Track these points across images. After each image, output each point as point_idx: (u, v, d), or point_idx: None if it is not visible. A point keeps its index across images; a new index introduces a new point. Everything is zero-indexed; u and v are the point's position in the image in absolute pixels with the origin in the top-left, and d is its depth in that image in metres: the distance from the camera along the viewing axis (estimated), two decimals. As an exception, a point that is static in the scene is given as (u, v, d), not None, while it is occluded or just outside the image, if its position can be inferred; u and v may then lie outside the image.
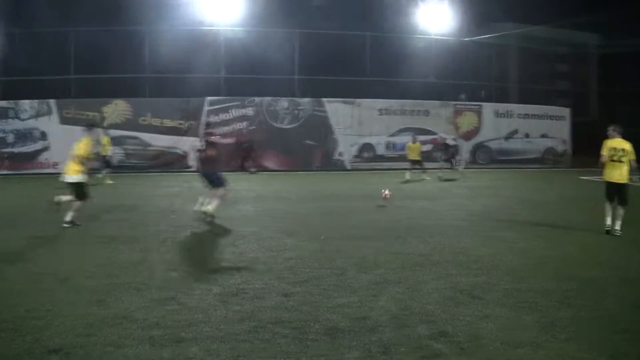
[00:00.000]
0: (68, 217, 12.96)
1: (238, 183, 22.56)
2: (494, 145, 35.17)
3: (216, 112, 30.55)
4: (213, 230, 12.71)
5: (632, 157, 12.35)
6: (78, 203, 13.06)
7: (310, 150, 31.65)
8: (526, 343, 6.13)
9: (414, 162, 26.32)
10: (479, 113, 35.23)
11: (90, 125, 15.01)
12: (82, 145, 13.31)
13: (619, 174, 12.30)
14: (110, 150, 25.20)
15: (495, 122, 35.44)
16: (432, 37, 36.65)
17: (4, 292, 7.86)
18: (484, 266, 9.50)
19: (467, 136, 34.55)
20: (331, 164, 31.77)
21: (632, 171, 12.57)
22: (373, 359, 5.69)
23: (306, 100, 31.74)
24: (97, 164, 22.46)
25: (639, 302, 7.72)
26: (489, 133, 35.04)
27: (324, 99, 31.87)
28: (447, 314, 7.02)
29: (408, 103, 33.63)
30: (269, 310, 7.02)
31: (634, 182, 12.68)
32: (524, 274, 9.07)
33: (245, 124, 30.72)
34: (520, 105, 37.87)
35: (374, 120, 32.60)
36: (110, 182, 23.44)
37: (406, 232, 12.72)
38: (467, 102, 36.54)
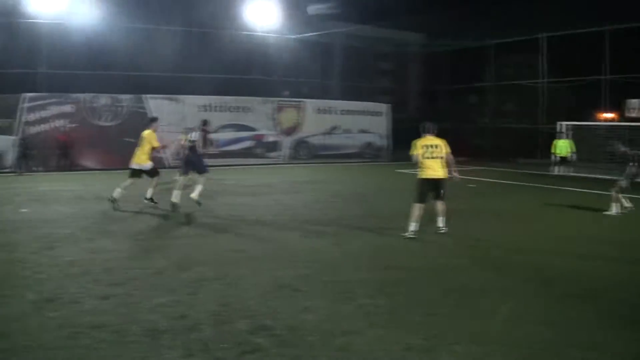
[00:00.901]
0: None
1: (56, 183, 21.84)
2: (315, 140, 35.87)
3: (35, 109, 29.18)
4: (28, 233, 12.21)
5: (447, 150, 12.47)
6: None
7: (131, 148, 30.85)
8: (346, 332, 6.40)
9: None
10: (300, 109, 35.80)
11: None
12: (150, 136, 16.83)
13: (434, 170, 12.29)
14: None
15: (317, 118, 36.13)
16: (258, 33, 36.86)
17: None
18: (302, 259, 9.78)
19: (289, 132, 35.01)
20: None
21: (450, 165, 12.64)
22: (194, 357, 5.72)
23: (127, 96, 30.97)
24: None
25: (449, 287, 8.26)
26: (310, 129, 35.67)
27: (146, 96, 31.26)
28: (267, 308, 7.18)
29: (230, 99, 33.60)
30: (86, 315, 6.86)
31: (453, 177, 12.88)
32: (342, 265, 9.44)
33: (65, 121, 29.54)
34: (341, 101, 38.85)
35: (196, 117, 32.32)
36: None
37: (226, 228, 12.84)
38: (289, 99, 37.06)
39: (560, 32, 34.43)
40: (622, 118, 34.43)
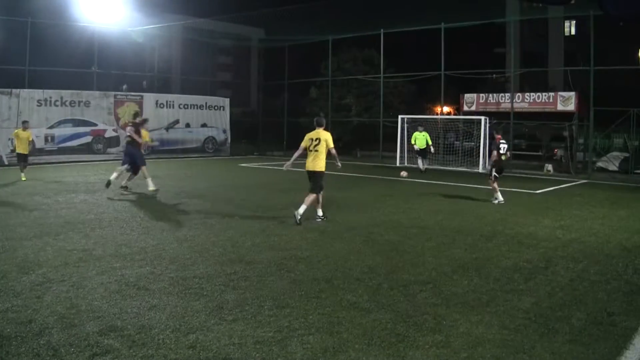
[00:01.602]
0: None
1: None
2: (155, 135, 35.41)
3: None
4: None
5: (330, 145, 13.31)
6: None
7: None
8: (196, 328, 6.48)
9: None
10: (140, 103, 35.22)
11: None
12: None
13: (312, 162, 13.26)
14: None
15: (157, 112, 35.67)
16: (95, 25, 35.78)
17: None
18: (148, 257, 9.77)
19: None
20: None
21: (333, 158, 13.58)
22: (43, 362, 5.61)
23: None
24: None
25: (297, 279, 8.52)
26: (150, 123, 35.15)
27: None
28: (114, 308, 7.13)
29: (67, 93, 32.52)
30: None
31: (338, 167, 14.02)
32: (188, 261, 9.50)
33: None
34: (182, 95, 38.58)
35: (33, 112, 31.05)
36: None
37: (67, 227, 12.50)
38: (128, 93, 36.36)
39: (399, 29, 35.68)
40: (460, 112, 36.19)
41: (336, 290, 8.03)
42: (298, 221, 12.90)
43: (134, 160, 19.00)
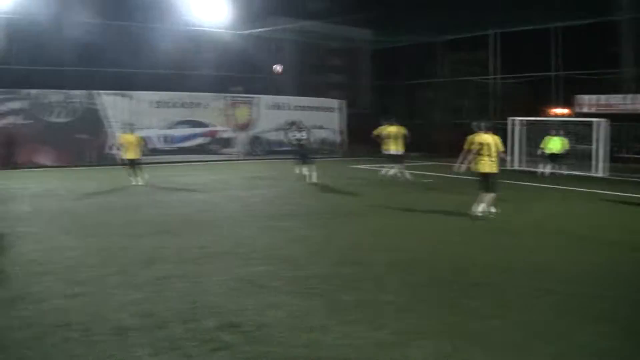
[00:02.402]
0: None
1: (10, 181, 21.47)
2: (270, 136, 35.83)
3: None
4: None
5: (501, 148, 13.95)
6: None
7: (82, 145, 30.51)
8: (315, 327, 6.42)
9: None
10: (253, 105, 35.71)
11: None
12: None
13: (489, 165, 13.62)
14: None
15: (270, 114, 36.07)
16: (209, 29, 36.59)
17: None
18: (264, 255, 9.81)
19: (243, 128, 34.89)
20: (104, 159, 30.82)
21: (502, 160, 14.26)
22: (163, 355, 5.70)
23: (79, 92, 30.55)
24: None
25: (418, 282, 8.36)
26: (264, 125, 35.61)
27: (98, 92, 30.86)
28: (233, 304, 7.18)
29: (184, 95, 33.36)
30: (52, 314, 6.80)
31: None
32: (304, 261, 9.47)
33: (15, 117, 29.01)
34: (296, 97, 38.83)
35: (150, 113, 32.02)
36: None
37: (186, 225, 12.76)
38: (242, 95, 36.91)
39: (511, 29, 34.94)
40: (574, 114, 34.98)
41: (457, 294, 7.81)
42: (480, 216, 13.53)
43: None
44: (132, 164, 20.67)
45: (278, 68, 20.36)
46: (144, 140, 22.41)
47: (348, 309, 7.10)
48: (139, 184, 20.14)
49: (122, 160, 21.23)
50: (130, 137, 21.08)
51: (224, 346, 5.90)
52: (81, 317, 6.69)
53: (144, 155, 21.49)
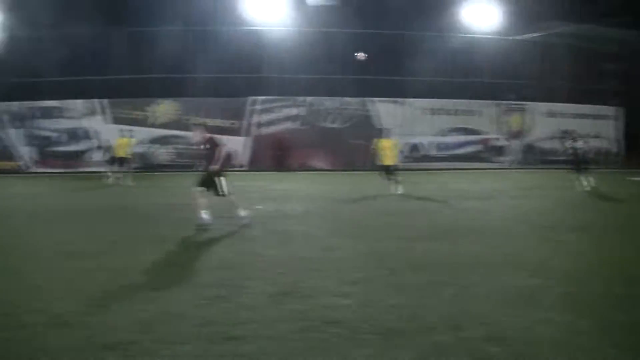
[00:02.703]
0: None
1: (282, 183, 22.64)
2: (544, 145, 34.71)
3: (263, 111, 30.65)
4: (265, 229, 12.72)
5: None
6: None
7: (356, 150, 31.53)
8: (584, 349, 5.95)
9: (120, 160, 24.72)
10: (527, 112, 34.77)
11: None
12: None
13: None
14: (129, 152, 24.73)
15: (545, 121, 34.95)
16: (480, 36, 36.29)
17: (58, 287, 7.96)
18: (539, 268, 9.32)
19: (516, 136, 34.10)
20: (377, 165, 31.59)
21: None
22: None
23: (354, 99, 31.66)
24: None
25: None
26: (538, 133, 34.56)
27: (372, 99, 31.78)
28: (502, 316, 6.87)
29: (457, 103, 33.38)
30: (320, 310, 6.98)
31: None
32: (579, 277, 8.89)
33: (293, 123, 30.71)
34: (571, 104, 37.29)
35: (422, 120, 32.40)
36: (131, 183, 23.31)
37: (458, 232, 12.60)
38: (516, 102, 36.04)
39: None
40: None
41: None
42: None
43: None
44: (388, 170, 20.52)
45: (361, 55, 18.70)
46: (399, 146, 22.21)
47: (622, 331, 6.49)
48: (397, 192, 19.82)
49: (380, 166, 20.92)
50: (386, 143, 20.88)
51: (488, 357, 5.68)
52: (348, 316, 6.78)
53: (411, 161, 21.62)
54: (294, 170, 28.94)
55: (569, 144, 22.48)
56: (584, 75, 45.12)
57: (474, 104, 33.59)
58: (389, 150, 20.45)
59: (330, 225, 13.40)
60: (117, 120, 29.58)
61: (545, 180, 25.86)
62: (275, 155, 29.43)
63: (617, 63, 54.95)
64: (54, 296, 7.51)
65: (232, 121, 30.43)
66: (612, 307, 7.39)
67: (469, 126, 33.27)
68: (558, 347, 5.98)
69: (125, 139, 24.65)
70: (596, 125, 36.02)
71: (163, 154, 29.55)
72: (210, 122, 30.36)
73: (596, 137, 36.04)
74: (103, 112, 30.00)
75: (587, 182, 20.78)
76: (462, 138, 33.06)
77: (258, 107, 30.46)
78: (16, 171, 30.27)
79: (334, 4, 34.69)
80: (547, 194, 20.37)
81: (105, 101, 30.04)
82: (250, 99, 30.67)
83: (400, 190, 19.89)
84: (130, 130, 26.21)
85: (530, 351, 5.87)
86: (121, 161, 24.17)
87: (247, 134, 30.21)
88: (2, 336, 6.09)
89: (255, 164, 29.88)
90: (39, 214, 15.73)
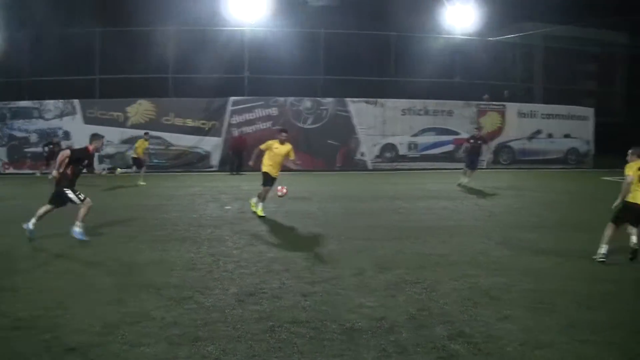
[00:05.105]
0: None
1: (252, 183, 22.64)
2: (517, 145, 34.94)
3: (240, 112, 30.59)
4: (232, 230, 12.71)
5: None
6: None
7: (332, 151, 31.59)
8: (544, 344, 6.12)
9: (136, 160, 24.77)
10: (502, 113, 34.99)
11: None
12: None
13: None
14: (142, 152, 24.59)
15: (519, 122, 35.17)
16: (456, 36, 36.44)
17: (21, 290, 7.92)
18: (503, 267, 9.47)
19: (491, 136, 34.27)
20: (353, 164, 31.74)
21: None
22: (389, 358, 5.70)
23: (329, 100, 31.67)
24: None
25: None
26: (511, 133, 34.76)
27: (347, 99, 31.80)
28: (465, 314, 7.02)
29: (431, 103, 33.45)
30: (286, 310, 7.04)
31: None
32: (543, 274, 9.04)
33: (266, 124, 30.66)
34: (544, 105, 37.53)
35: (397, 120, 32.49)
36: (142, 183, 23.20)
37: (425, 232, 12.66)
38: (491, 102, 36.22)
39: None
40: None
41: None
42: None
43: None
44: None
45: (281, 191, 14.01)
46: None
47: (582, 327, 6.66)
48: None
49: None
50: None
51: (450, 355, 5.79)
52: (314, 316, 6.85)
53: (386, 161, 21.90)
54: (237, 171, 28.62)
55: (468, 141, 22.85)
56: (559, 76, 45.57)
57: (450, 104, 33.68)
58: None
59: (298, 225, 13.40)
60: (90, 121, 29.29)
61: (517, 180, 26.06)
62: (239, 156, 29.13)
63: (592, 64, 55.55)
64: (18, 299, 7.50)
65: (203, 121, 30.25)
66: (574, 303, 7.56)
67: (444, 126, 33.36)
68: (519, 343, 6.12)
69: (141, 140, 24.51)
70: (570, 126, 36.28)
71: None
72: (181, 122, 30.33)
73: (568, 136, 36.35)
74: (75, 113, 29.68)
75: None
76: (437, 138, 33.14)
77: (231, 107, 30.31)
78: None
79: (330, 3, 34.77)
80: (517, 194, 20.47)
81: (77, 101, 29.72)
82: (225, 99, 30.53)
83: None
84: (146, 133, 25.89)
85: (492, 347, 6.00)
86: (139, 162, 24.08)
87: (221, 134, 30.07)
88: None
89: (227, 165, 29.71)
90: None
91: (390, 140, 32.54)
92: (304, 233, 12.47)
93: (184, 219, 13.87)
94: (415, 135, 32.83)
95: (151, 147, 27.46)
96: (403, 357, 5.72)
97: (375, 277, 8.63)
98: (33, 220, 11.13)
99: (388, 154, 32.56)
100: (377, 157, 32.41)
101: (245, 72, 32.68)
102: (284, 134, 14.82)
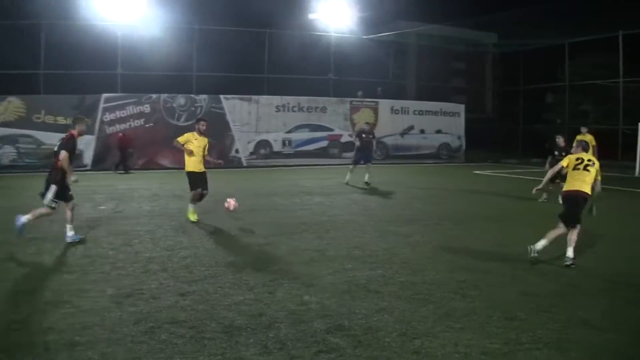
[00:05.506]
0: None
1: (126, 182, 22.29)
2: (390, 141, 35.73)
3: (112, 109, 29.88)
4: (107, 230, 12.44)
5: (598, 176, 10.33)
6: None
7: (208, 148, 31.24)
8: (422, 334, 6.34)
9: None
10: (375, 109, 35.68)
11: None
12: None
13: (579, 183, 10.06)
14: None
15: (392, 118, 35.97)
16: (331, 34, 36.88)
17: None
18: (379, 260, 9.72)
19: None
20: (228, 161, 31.59)
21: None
22: (271, 355, 5.75)
23: (203, 97, 31.42)
24: None
25: (529, 291, 8.06)
26: (385, 129, 35.49)
27: (221, 96, 31.65)
28: (343, 308, 7.16)
29: (305, 100, 33.75)
30: (164, 311, 6.98)
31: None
32: (419, 266, 9.32)
33: (141, 121, 30.11)
34: (416, 101, 38.57)
35: (271, 117, 32.60)
36: None
37: (302, 227, 12.84)
38: (364, 99, 36.88)
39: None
40: None
41: (568, 305, 7.49)
42: (533, 259, 9.77)
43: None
44: None
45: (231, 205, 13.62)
46: None
47: (457, 316, 6.94)
48: None
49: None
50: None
51: (331, 349, 5.89)
52: (192, 315, 6.83)
53: (261, 158, 21.90)
54: (136, 169, 28.24)
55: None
56: (431, 74, 46.88)
57: (323, 101, 34.06)
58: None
59: (175, 224, 13.21)
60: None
61: (391, 175, 26.66)
62: (117, 154, 28.54)
63: (463, 62, 57.40)
64: None
65: (86, 119, 29.29)
66: (451, 293, 7.88)
67: (318, 123, 33.71)
68: (397, 334, 6.32)
69: None
70: (442, 122, 37.40)
71: (7, 154, 28.10)
72: (52, 120, 29.31)
73: (439, 132, 37.47)
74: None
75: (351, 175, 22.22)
76: (311, 135, 33.46)
77: (103, 105, 29.56)
78: None
79: None
80: (392, 189, 20.93)
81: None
82: (98, 96, 29.74)
83: None
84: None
85: (371, 339, 6.17)
86: None
87: (93, 132, 29.27)
88: None
89: (100, 164, 29.01)
90: None
91: (264, 137, 32.61)
92: (180, 231, 12.32)
93: (57, 220, 13.46)
94: (289, 131, 33.02)
95: (22, 146, 26.54)
96: (283, 352, 5.78)
97: (253, 275, 8.67)
98: (68, 226, 11.12)
99: (262, 151, 32.61)
100: (252, 153, 32.36)
101: (119, 68, 32.00)
102: (202, 123, 14.08)
